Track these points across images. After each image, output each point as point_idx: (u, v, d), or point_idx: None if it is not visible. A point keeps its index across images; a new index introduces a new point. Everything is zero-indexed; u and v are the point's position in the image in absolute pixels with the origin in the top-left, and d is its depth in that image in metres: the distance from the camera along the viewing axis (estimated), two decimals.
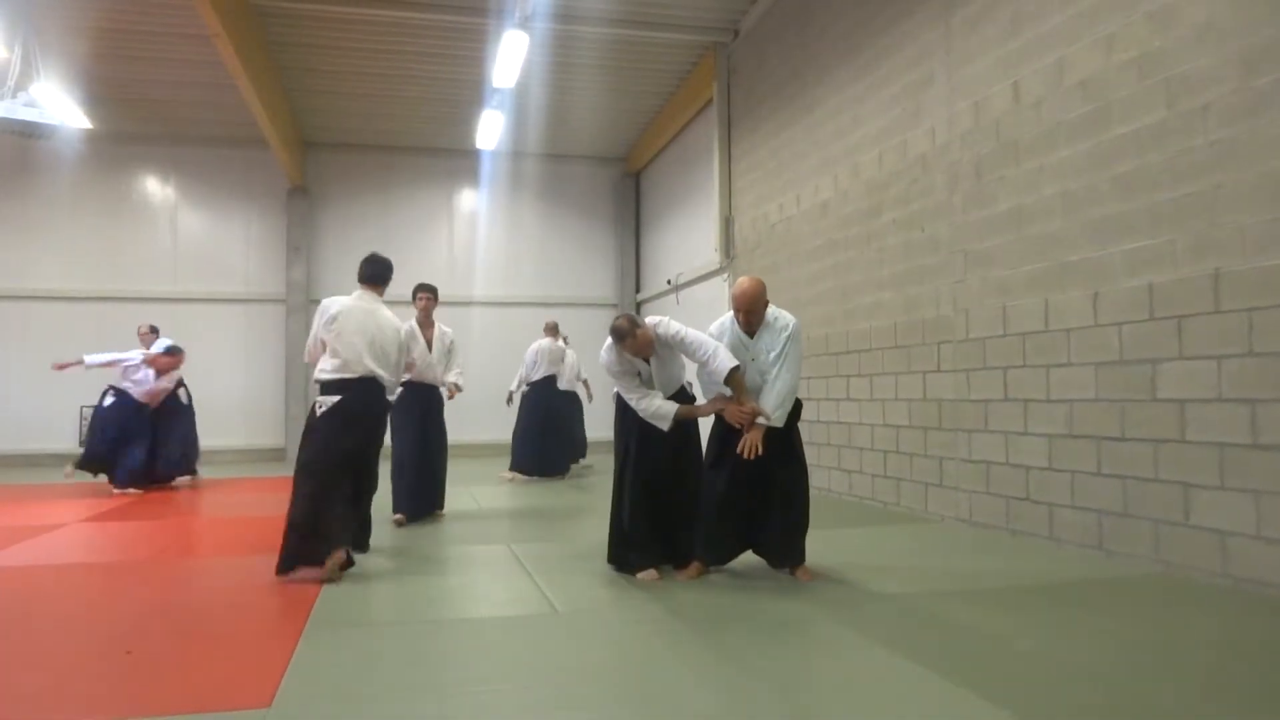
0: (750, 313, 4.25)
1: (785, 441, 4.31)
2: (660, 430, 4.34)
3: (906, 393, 6.64)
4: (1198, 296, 4.27)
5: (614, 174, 14.55)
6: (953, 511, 6.06)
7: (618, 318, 4.34)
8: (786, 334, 4.23)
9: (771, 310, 4.32)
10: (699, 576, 4.35)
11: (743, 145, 9.85)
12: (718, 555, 4.42)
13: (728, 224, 10.16)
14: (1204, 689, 2.76)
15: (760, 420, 4.14)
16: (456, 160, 13.77)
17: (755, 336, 4.28)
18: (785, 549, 4.36)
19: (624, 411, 4.55)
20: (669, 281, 12.38)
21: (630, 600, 3.97)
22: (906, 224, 6.67)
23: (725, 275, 10.23)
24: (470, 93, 11.23)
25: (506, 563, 4.91)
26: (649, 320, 4.38)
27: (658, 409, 4.30)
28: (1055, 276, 5.17)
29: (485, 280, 13.90)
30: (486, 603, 4.12)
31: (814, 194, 8.10)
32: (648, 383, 4.44)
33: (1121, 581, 4.27)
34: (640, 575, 4.34)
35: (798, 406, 4.38)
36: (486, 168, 13.82)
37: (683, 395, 4.55)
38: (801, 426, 4.46)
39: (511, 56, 8.94)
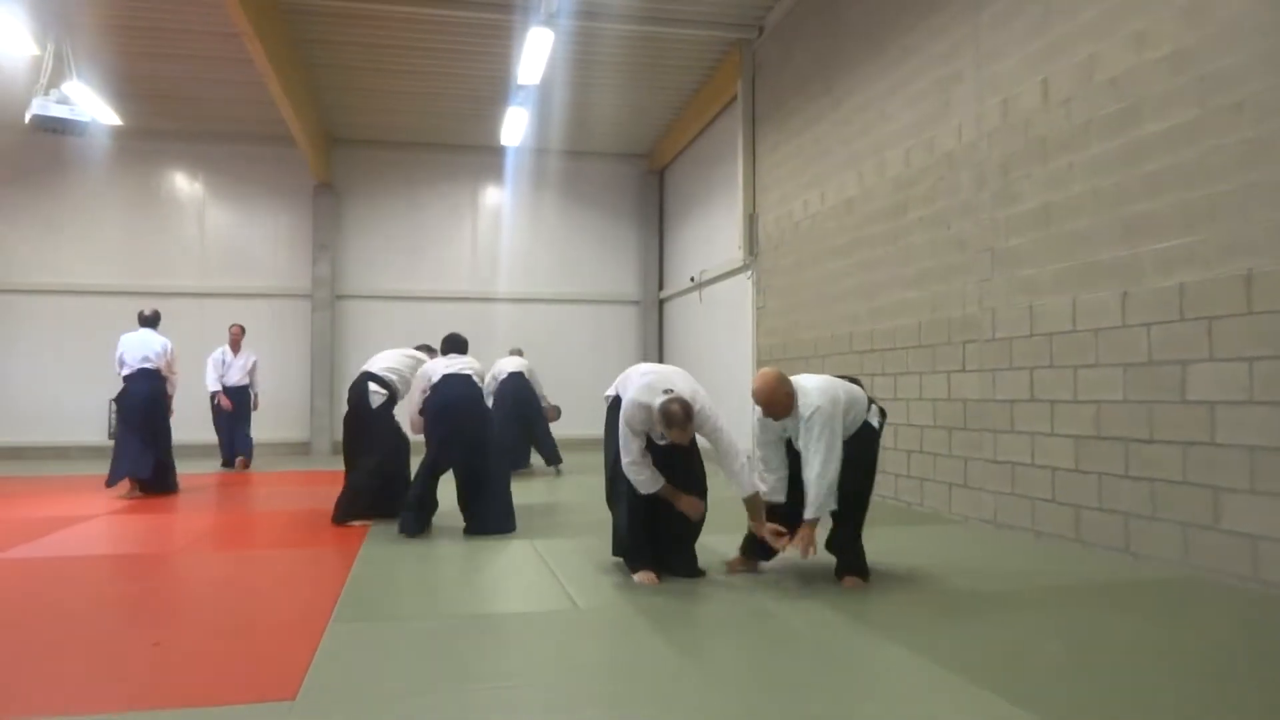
0: (769, 405, 4.13)
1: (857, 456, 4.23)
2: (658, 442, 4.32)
3: (931, 392, 6.59)
4: (1229, 297, 4.20)
5: (637, 171, 14.53)
6: (977, 513, 6.01)
7: (672, 401, 4.03)
8: (804, 423, 4.02)
9: (801, 400, 4.08)
10: (743, 570, 4.43)
11: (767, 142, 9.81)
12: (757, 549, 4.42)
13: (752, 221, 10.13)
14: (1232, 694, 2.72)
15: (808, 517, 4.05)
16: (481, 157, 13.80)
17: (781, 421, 4.20)
18: (844, 557, 4.31)
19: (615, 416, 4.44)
20: (692, 279, 12.36)
21: (651, 598, 3.97)
22: (932, 222, 6.61)
23: (749, 272, 10.20)
24: (495, 89, 11.26)
25: (529, 558, 4.93)
26: (683, 387, 4.20)
27: (648, 479, 4.21)
28: (1083, 275, 5.11)
29: (508, 277, 13.94)
30: (508, 598, 4.14)
31: (839, 191, 8.06)
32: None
33: (1149, 585, 4.21)
34: (637, 578, 4.26)
35: (871, 427, 4.36)
36: (510, 164, 13.84)
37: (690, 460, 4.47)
38: None
39: (536, 53, 8.95)
